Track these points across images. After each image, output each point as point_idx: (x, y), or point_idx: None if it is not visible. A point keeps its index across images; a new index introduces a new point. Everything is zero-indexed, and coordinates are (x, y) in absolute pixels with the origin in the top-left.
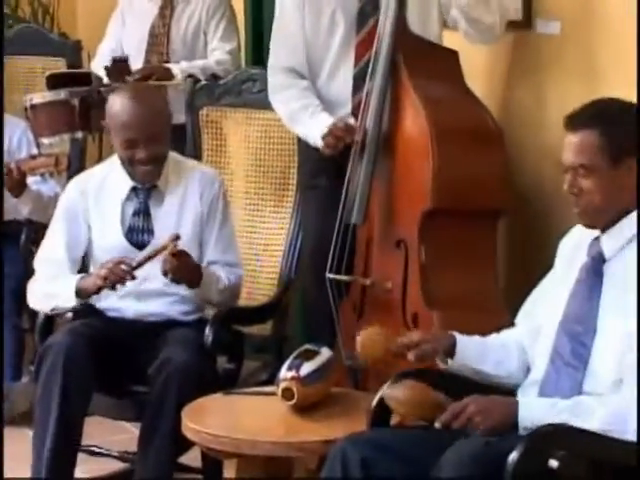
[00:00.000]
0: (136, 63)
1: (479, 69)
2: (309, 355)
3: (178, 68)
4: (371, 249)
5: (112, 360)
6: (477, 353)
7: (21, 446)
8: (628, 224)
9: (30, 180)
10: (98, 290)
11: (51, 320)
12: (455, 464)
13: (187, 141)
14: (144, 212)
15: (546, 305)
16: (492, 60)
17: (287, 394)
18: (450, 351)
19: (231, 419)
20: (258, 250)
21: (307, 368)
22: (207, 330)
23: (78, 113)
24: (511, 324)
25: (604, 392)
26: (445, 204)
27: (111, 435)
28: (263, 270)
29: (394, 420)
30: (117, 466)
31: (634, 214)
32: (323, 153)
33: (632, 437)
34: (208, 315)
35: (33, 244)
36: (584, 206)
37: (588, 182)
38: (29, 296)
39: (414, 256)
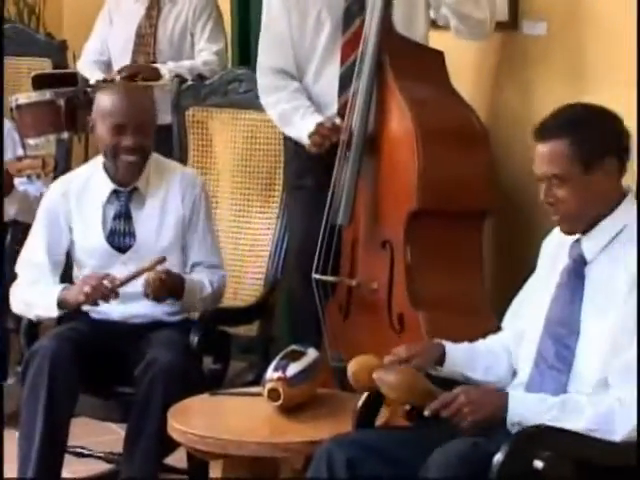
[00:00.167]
0: (122, 63)
1: (466, 70)
2: (295, 356)
3: (166, 68)
4: (357, 250)
5: (98, 362)
6: (466, 360)
7: (7, 447)
8: (607, 226)
9: (16, 181)
10: (80, 305)
11: (36, 323)
12: (442, 465)
13: (173, 141)
14: (125, 215)
15: (530, 307)
16: (479, 61)
17: (273, 395)
18: (439, 360)
19: (217, 420)
20: (244, 250)
21: (293, 369)
22: (193, 331)
23: (64, 114)
24: (497, 325)
25: (588, 393)
26: (430, 205)
27: (97, 436)
28: (249, 270)
29: (380, 421)
30: (103, 467)
31: (613, 215)
32: (310, 152)
33: (618, 438)
34: (194, 315)
35: (18, 245)
36: (562, 214)
37: (563, 191)
38: (12, 300)
39: (400, 257)
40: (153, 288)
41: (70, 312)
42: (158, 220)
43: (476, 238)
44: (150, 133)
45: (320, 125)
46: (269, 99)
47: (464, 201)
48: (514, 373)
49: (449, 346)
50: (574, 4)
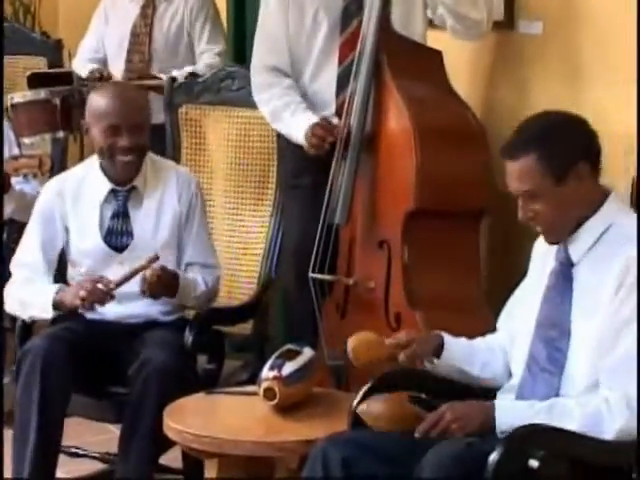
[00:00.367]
0: (117, 62)
1: (462, 69)
2: (291, 355)
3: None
4: (354, 249)
5: (92, 362)
6: (464, 354)
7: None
8: (592, 227)
9: (13, 180)
10: (76, 309)
11: (30, 322)
12: (436, 465)
13: (166, 139)
14: (123, 214)
15: (522, 309)
16: (475, 60)
17: (269, 394)
18: (437, 351)
19: (213, 419)
20: (238, 249)
21: (289, 368)
22: (187, 331)
23: (59, 113)
24: (494, 325)
25: (580, 395)
26: (428, 204)
27: (92, 436)
28: (243, 269)
29: None
30: (98, 467)
31: (597, 216)
32: (308, 152)
33: (609, 437)
34: (188, 314)
35: (14, 244)
36: (543, 227)
37: (539, 205)
38: (6, 300)
39: (397, 256)
40: (150, 285)
41: (65, 313)
42: (155, 219)
43: (473, 238)
44: (145, 131)
45: (316, 125)
46: (262, 96)
47: (462, 201)
48: (510, 373)
49: (448, 339)
50: (570, 3)
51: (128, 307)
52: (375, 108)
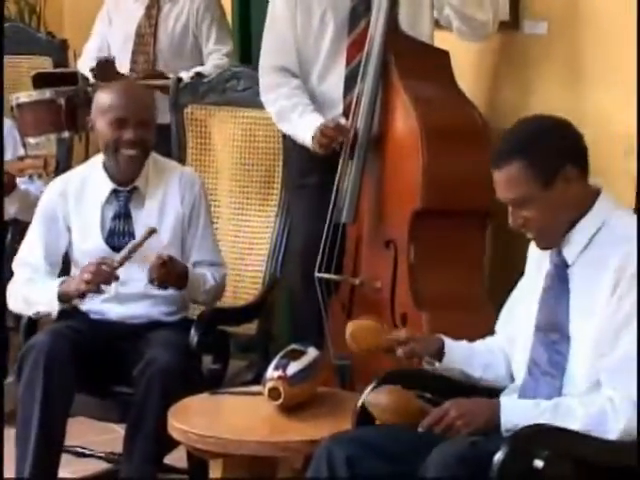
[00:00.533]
0: (122, 63)
1: (466, 69)
2: (296, 355)
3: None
4: (361, 248)
5: (97, 361)
6: (465, 357)
7: (7, 445)
8: (584, 227)
9: (17, 180)
10: (82, 295)
11: (35, 320)
12: (441, 464)
13: (172, 139)
14: (124, 215)
15: (520, 311)
16: (479, 60)
17: (274, 394)
18: (438, 354)
19: (217, 419)
20: (243, 249)
21: (294, 368)
22: (192, 331)
23: (64, 113)
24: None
25: (582, 395)
26: (435, 204)
27: (96, 435)
28: (248, 269)
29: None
30: (103, 467)
31: (588, 216)
32: (315, 153)
33: (613, 436)
34: (192, 315)
35: (18, 243)
36: (535, 233)
37: (528, 211)
38: (8, 298)
39: (403, 256)
40: (158, 273)
41: (69, 310)
42: (157, 220)
43: (479, 238)
44: (151, 128)
45: (324, 126)
46: (269, 96)
47: (468, 201)
48: (512, 375)
49: (449, 342)
50: (575, 4)
51: (131, 308)
52: (382, 108)
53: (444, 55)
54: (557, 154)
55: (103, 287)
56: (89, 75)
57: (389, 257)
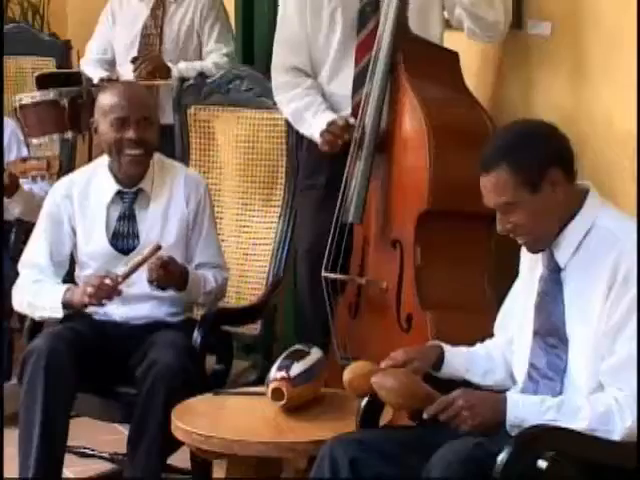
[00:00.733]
0: (127, 63)
1: (470, 69)
2: (299, 355)
3: (176, 69)
4: (367, 248)
5: (100, 362)
6: (465, 364)
7: (11, 447)
8: (574, 229)
9: (21, 181)
10: (85, 306)
11: (39, 322)
12: (444, 465)
13: (175, 140)
14: (129, 216)
15: (517, 313)
16: (483, 60)
17: (277, 394)
18: (436, 363)
19: (221, 420)
20: (246, 249)
21: (297, 369)
22: (196, 332)
23: (67, 113)
24: None
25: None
26: (441, 205)
27: (101, 436)
28: (251, 270)
29: (383, 421)
30: (107, 467)
31: (577, 218)
32: (323, 153)
33: (617, 436)
34: (196, 315)
35: (23, 244)
36: (524, 237)
37: (516, 216)
38: (14, 300)
39: (409, 257)
40: (158, 274)
41: (73, 313)
42: (162, 221)
43: (485, 239)
44: (153, 127)
45: (332, 123)
46: (283, 96)
47: (475, 202)
48: (511, 378)
49: (448, 350)
50: (578, 4)
51: (135, 308)
52: (390, 108)
53: (453, 56)
54: (542, 158)
55: (105, 301)
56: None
57: (395, 257)
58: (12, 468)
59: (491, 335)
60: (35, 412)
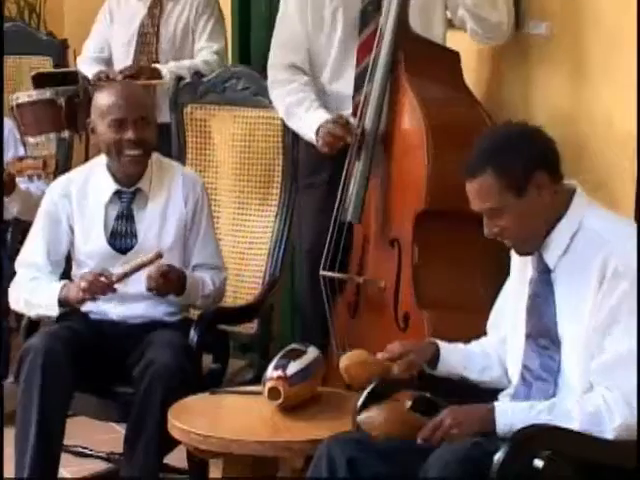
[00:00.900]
0: (125, 63)
1: (468, 69)
2: (295, 354)
3: (166, 69)
4: (367, 247)
5: (97, 361)
6: (460, 361)
7: (8, 446)
8: (562, 230)
9: (17, 180)
10: (81, 302)
11: (36, 321)
12: (442, 465)
13: (172, 139)
14: (127, 216)
15: (509, 313)
16: (482, 60)
17: (273, 394)
18: (432, 361)
19: (217, 419)
20: (243, 249)
21: (294, 368)
22: (192, 331)
23: (64, 112)
24: None
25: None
26: (439, 205)
27: (97, 435)
28: (248, 269)
29: None
30: (103, 466)
31: (564, 220)
32: (321, 151)
33: (609, 436)
34: (193, 315)
35: (20, 243)
36: (512, 241)
37: (504, 220)
38: (10, 299)
39: (407, 256)
40: (157, 283)
41: (70, 311)
42: (160, 221)
43: (483, 240)
44: (151, 127)
45: (334, 124)
46: (277, 92)
47: None
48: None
49: (444, 347)
50: (577, 4)
51: (132, 308)
52: (390, 107)
53: (454, 55)
54: (526, 161)
55: (100, 297)
56: (88, 73)
57: (393, 256)
58: (13, 468)
59: (486, 334)
60: (32, 411)
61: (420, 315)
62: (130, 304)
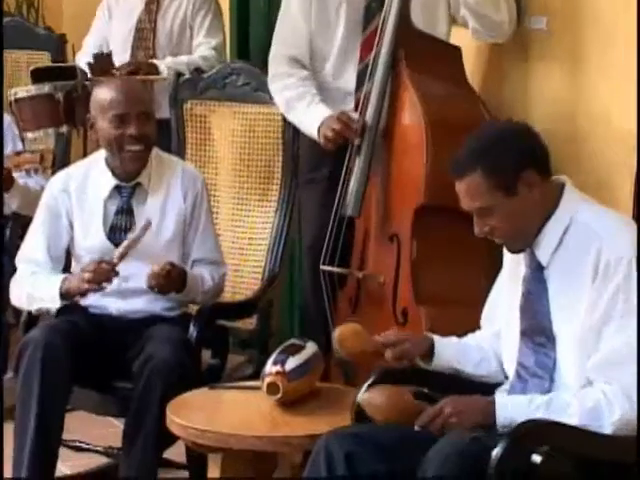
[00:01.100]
0: (122, 58)
1: (467, 64)
2: (294, 350)
3: (164, 64)
4: (368, 242)
5: (96, 356)
6: (456, 355)
7: (7, 440)
8: (553, 226)
9: (15, 175)
10: (84, 293)
11: (35, 316)
12: (441, 460)
13: (172, 134)
14: (127, 210)
15: (502, 308)
16: (480, 55)
17: (272, 389)
18: (428, 354)
19: (216, 414)
20: (242, 244)
21: (292, 363)
22: (192, 326)
23: (63, 107)
24: None
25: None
26: (438, 201)
27: (96, 430)
28: (247, 264)
29: None
30: (102, 461)
31: (554, 216)
32: (325, 148)
33: (608, 430)
34: (192, 310)
35: (19, 238)
36: (503, 239)
37: (493, 219)
38: (11, 295)
39: (406, 251)
40: (158, 281)
41: (69, 306)
42: (159, 216)
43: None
44: (152, 122)
45: (336, 119)
46: (277, 85)
47: None
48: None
49: (439, 341)
50: (577, 0)
51: (131, 302)
52: (390, 103)
53: (456, 51)
54: (515, 160)
55: (104, 284)
56: (87, 69)
57: (393, 252)
58: (7, 466)
59: (481, 328)
60: (31, 404)
61: (418, 311)
62: (129, 299)
